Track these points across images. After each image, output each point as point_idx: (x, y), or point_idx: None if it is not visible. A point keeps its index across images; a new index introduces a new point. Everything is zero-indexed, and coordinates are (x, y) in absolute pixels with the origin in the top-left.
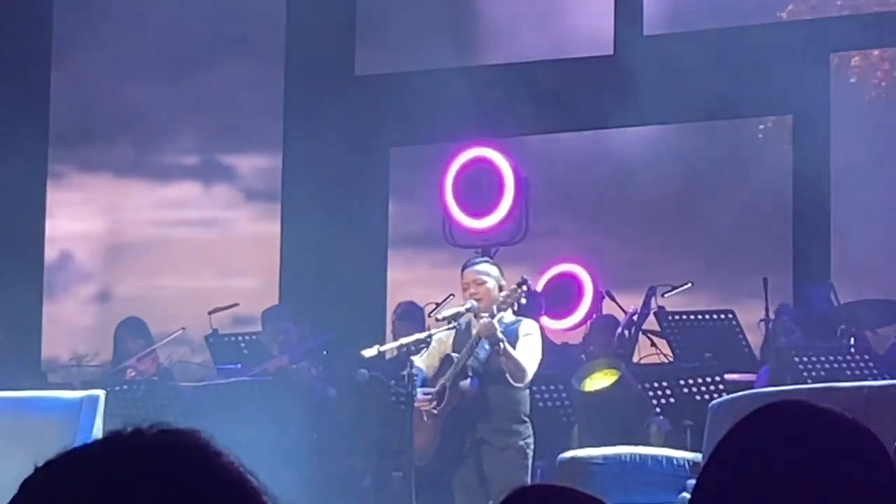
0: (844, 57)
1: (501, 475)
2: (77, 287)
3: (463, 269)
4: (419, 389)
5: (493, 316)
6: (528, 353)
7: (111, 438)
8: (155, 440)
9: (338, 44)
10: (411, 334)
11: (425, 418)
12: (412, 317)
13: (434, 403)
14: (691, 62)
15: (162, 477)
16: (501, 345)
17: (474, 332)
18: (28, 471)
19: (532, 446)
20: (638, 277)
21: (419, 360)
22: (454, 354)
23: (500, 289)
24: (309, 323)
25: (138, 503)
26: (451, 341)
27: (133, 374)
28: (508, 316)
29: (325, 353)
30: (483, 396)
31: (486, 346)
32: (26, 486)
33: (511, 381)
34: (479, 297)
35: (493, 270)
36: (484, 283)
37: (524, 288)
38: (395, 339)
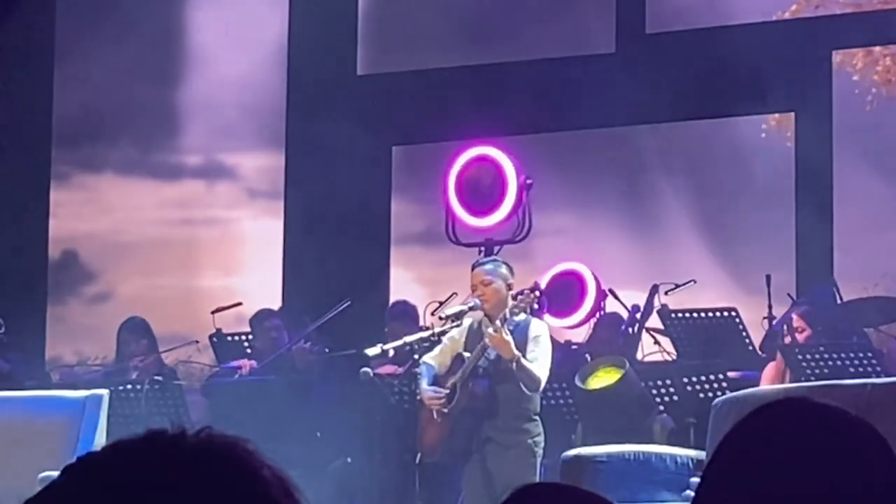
0: (847, 54)
1: (507, 473)
2: (81, 287)
3: (472, 269)
4: (430, 387)
5: (505, 320)
6: (541, 361)
7: (155, 437)
8: (199, 444)
9: (340, 43)
10: (406, 333)
11: (435, 416)
12: (406, 315)
13: (445, 402)
14: (693, 60)
15: (203, 482)
16: (515, 360)
17: (487, 332)
18: (32, 469)
19: (542, 444)
20: (640, 275)
21: (431, 358)
22: (465, 354)
23: (509, 288)
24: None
25: None
26: (463, 339)
27: (137, 365)
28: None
29: (327, 350)
30: (492, 396)
31: None
32: (67, 472)
33: (525, 391)
34: (485, 298)
35: (501, 270)
36: (490, 283)
37: (537, 293)
38: (390, 339)
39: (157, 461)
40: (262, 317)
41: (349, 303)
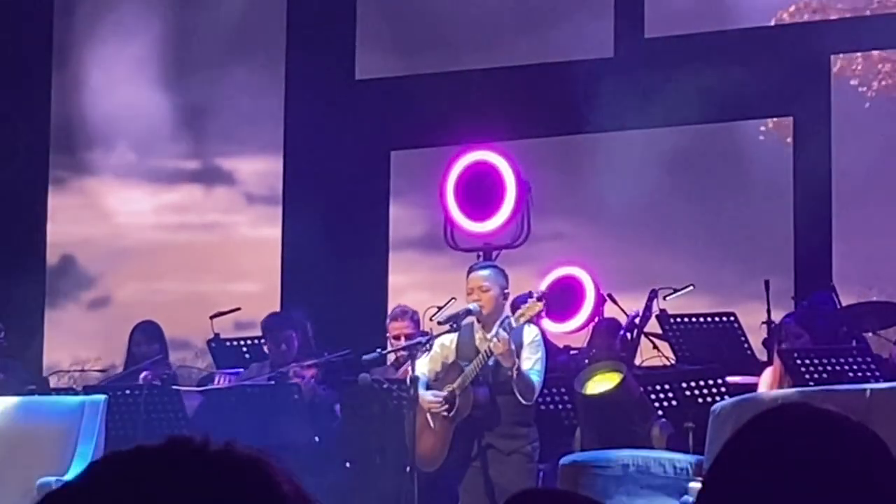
0: (846, 59)
1: (507, 479)
2: (79, 292)
3: (468, 273)
4: (430, 392)
5: (511, 329)
6: (537, 368)
7: (176, 445)
8: (220, 455)
9: (338, 47)
10: (407, 331)
11: (432, 424)
12: (405, 315)
13: (446, 407)
14: (692, 64)
15: (223, 493)
16: (516, 368)
17: (484, 339)
18: (31, 475)
19: (538, 450)
20: (639, 280)
21: (421, 364)
22: (463, 363)
23: (505, 297)
24: (311, 326)
25: None
26: (454, 346)
27: (148, 378)
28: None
29: (325, 353)
30: (493, 403)
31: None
32: (90, 472)
33: (521, 399)
34: (482, 304)
35: (499, 278)
36: (488, 290)
37: (543, 302)
38: (392, 342)
39: (180, 468)
40: (279, 325)
41: (349, 351)
